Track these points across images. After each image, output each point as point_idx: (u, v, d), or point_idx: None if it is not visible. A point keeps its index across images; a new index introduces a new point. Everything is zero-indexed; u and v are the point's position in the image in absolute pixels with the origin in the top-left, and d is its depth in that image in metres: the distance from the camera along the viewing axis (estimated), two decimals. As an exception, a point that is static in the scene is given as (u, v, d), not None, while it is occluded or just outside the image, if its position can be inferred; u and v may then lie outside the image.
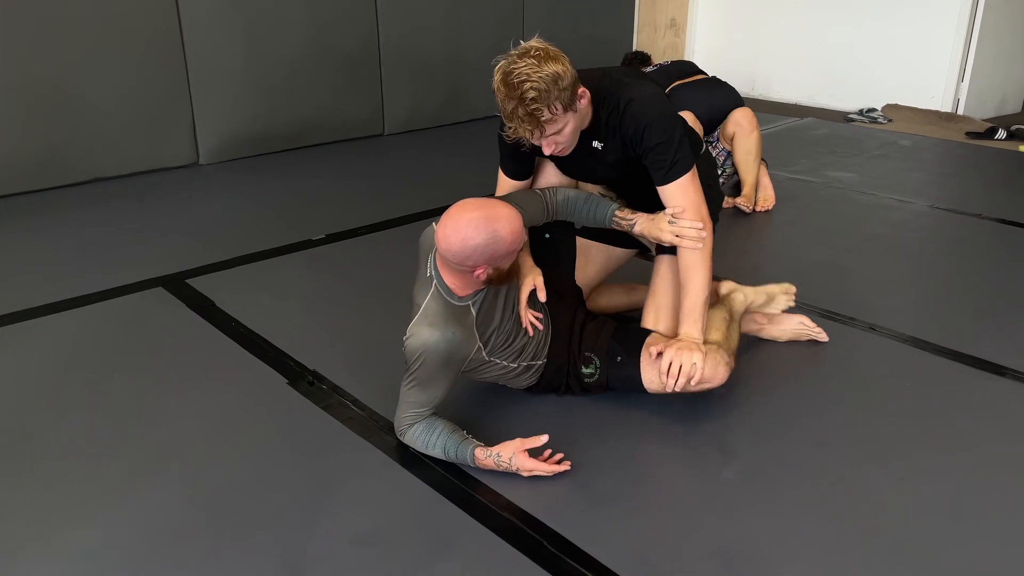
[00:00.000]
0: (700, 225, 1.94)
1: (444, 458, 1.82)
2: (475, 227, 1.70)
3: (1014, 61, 5.86)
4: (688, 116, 3.54)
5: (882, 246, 3.23)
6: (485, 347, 1.87)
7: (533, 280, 1.97)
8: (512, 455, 1.77)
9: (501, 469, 1.77)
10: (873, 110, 5.70)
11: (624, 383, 2.01)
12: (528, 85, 1.74)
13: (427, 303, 1.80)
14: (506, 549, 1.60)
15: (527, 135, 1.82)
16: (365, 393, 2.13)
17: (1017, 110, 6.01)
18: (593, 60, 5.90)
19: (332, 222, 3.41)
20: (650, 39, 6.47)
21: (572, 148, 1.94)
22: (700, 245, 1.95)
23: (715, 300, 2.27)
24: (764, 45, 6.35)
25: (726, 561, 1.58)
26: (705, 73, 3.84)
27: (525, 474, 1.77)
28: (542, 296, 1.95)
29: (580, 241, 2.25)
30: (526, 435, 1.81)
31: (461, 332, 1.80)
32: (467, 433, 1.83)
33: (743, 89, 6.23)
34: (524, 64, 1.75)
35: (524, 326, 1.96)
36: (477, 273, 1.76)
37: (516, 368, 1.98)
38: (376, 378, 2.17)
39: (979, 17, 5.36)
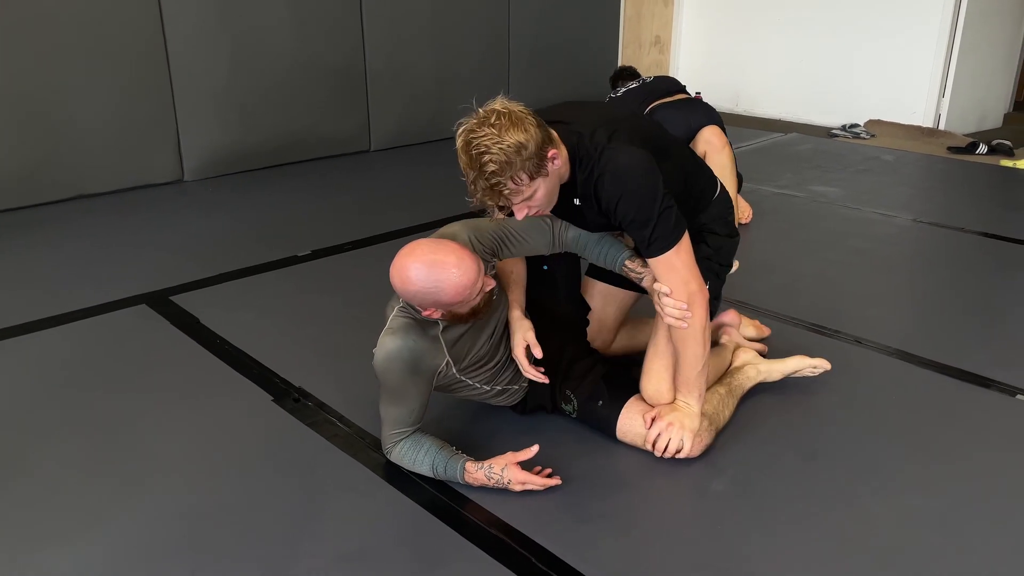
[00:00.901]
0: (683, 306, 1.80)
1: (432, 475, 1.80)
2: (417, 272, 1.64)
3: (994, 77, 5.95)
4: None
5: (867, 260, 3.25)
6: (456, 364, 1.83)
7: (524, 337, 1.89)
8: (504, 467, 1.76)
9: (492, 483, 1.76)
10: (856, 125, 5.76)
11: (596, 425, 1.99)
12: (487, 158, 1.61)
13: (392, 317, 1.78)
14: (494, 566, 1.58)
15: (490, 206, 1.70)
16: (351, 410, 2.11)
17: (998, 125, 6.09)
18: (579, 77, 5.97)
19: (318, 238, 3.39)
20: (635, 56, 6.52)
21: (552, 206, 1.82)
22: (684, 325, 1.82)
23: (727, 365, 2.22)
24: (748, 62, 6.41)
25: (715, 575, 1.58)
26: (687, 90, 3.86)
27: (517, 488, 1.76)
28: (537, 353, 1.88)
29: (597, 284, 2.20)
30: (515, 450, 1.80)
31: (423, 342, 1.75)
32: (456, 448, 1.82)
33: (727, 105, 6.31)
34: (484, 134, 1.62)
35: (533, 377, 1.90)
36: (426, 313, 1.72)
37: (490, 391, 1.96)
38: (362, 395, 2.15)
39: (959, 34, 5.43)
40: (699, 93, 4.03)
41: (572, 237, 1.97)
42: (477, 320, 1.81)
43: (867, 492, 1.82)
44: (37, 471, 1.87)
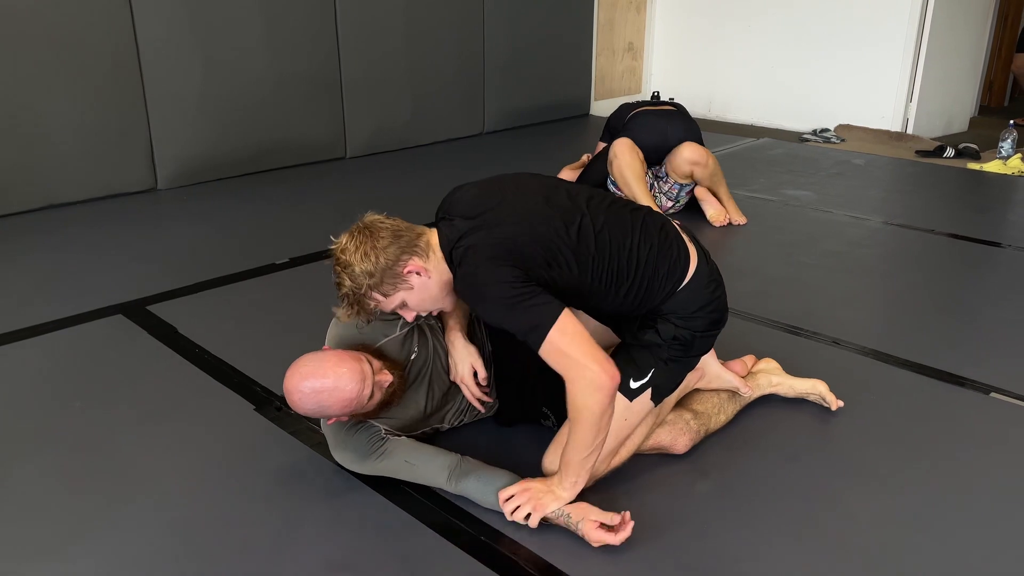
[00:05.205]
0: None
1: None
2: (300, 397, 1.70)
3: (960, 82, 6.07)
4: (625, 144, 3.58)
5: (841, 262, 3.30)
6: (404, 431, 1.88)
7: (471, 364, 1.91)
8: (582, 519, 1.66)
9: (560, 522, 1.69)
10: (826, 130, 5.84)
11: None
12: (338, 281, 1.69)
13: (324, 432, 1.87)
14: (482, 570, 1.59)
15: (350, 319, 1.74)
16: (334, 417, 2.10)
17: (964, 129, 6.21)
18: (553, 83, 6.00)
19: (296, 245, 3.37)
20: (609, 63, 6.57)
21: (447, 303, 1.78)
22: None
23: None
24: (720, 68, 6.48)
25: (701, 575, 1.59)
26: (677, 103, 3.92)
27: (595, 543, 1.63)
28: (482, 377, 1.92)
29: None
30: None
31: (358, 438, 1.83)
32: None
33: (700, 111, 6.38)
34: (339, 261, 1.68)
35: (474, 404, 1.96)
36: (332, 422, 1.79)
37: (466, 419, 2.01)
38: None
39: (925, 41, 5.54)
40: (672, 99, 4.08)
41: None
42: (393, 407, 1.85)
43: (848, 491, 1.85)
44: (16, 485, 1.84)
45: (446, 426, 2.01)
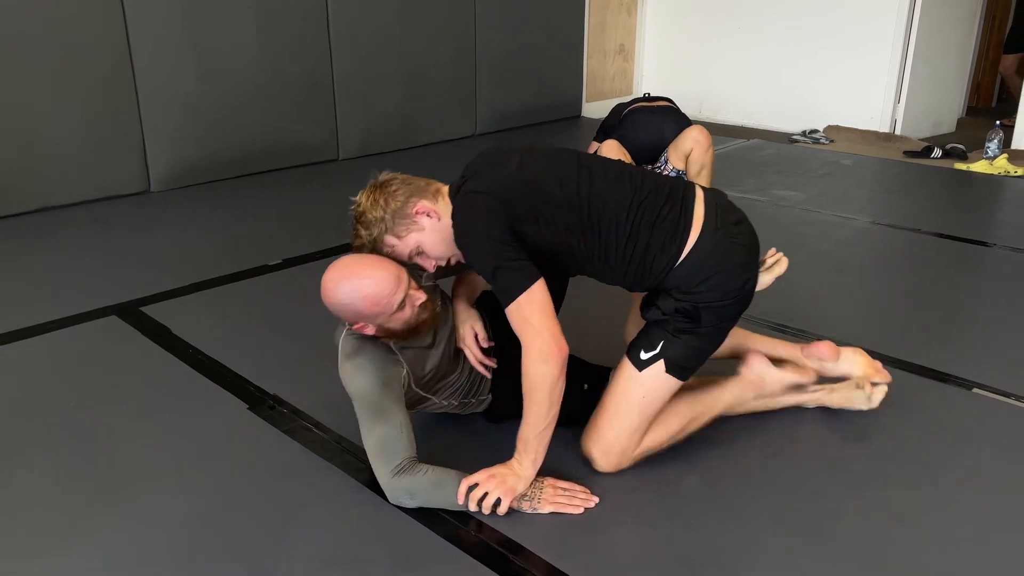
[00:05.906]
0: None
1: (426, 501, 1.75)
2: (334, 287, 1.72)
3: (947, 83, 6.12)
4: (612, 145, 3.59)
5: (828, 260, 3.34)
6: (415, 379, 1.86)
7: (472, 326, 1.95)
8: (543, 485, 1.77)
9: (513, 504, 1.74)
10: (816, 131, 5.89)
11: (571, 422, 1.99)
12: (354, 233, 1.84)
13: (341, 341, 1.84)
14: (473, 565, 1.61)
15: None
16: (327, 416, 2.12)
17: (951, 130, 6.26)
18: (544, 85, 6.02)
19: (288, 247, 3.40)
20: (600, 65, 6.60)
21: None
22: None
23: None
24: (711, 70, 6.52)
25: (688, 569, 1.62)
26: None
27: (547, 508, 1.75)
28: (483, 342, 1.94)
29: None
30: (486, 454, 1.83)
31: (380, 351, 1.80)
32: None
33: (691, 112, 6.40)
34: (358, 210, 1.83)
35: (478, 369, 1.96)
36: (357, 328, 1.77)
37: (456, 404, 2.01)
38: (337, 401, 2.16)
39: (913, 42, 5.59)
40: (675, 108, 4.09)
41: None
42: (419, 336, 1.84)
43: (832, 485, 1.88)
44: (12, 484, 1.86)
45: (443, 403, 1.98)
